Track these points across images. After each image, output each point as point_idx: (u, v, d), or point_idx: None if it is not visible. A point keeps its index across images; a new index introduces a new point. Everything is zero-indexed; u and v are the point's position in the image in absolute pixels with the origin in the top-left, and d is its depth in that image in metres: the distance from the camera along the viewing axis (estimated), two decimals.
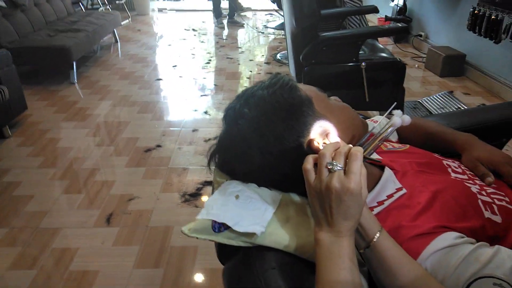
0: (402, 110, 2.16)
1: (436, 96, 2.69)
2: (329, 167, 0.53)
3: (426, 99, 2.66)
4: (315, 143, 0.63)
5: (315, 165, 0.56)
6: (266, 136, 0.61)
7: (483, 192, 0.71)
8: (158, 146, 2.33)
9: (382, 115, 0.74)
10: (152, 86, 3.27)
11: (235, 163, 0.65)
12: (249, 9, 5.97)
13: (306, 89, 0.67)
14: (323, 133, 0.64)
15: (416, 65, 3.55)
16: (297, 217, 0.62)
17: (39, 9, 3.67)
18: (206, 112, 2.79)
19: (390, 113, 0.71)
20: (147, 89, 3.20)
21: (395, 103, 0.65)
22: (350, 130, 0.68)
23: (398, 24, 1.94)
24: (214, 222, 0.58)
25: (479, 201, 0.68)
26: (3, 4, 3.12)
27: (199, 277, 1.45)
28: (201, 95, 3.10)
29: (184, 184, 1.96)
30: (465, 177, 0.75)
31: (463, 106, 2.52)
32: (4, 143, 2.35)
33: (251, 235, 0.58)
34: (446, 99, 2.61)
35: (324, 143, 0.64)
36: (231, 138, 0.64)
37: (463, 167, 0.79)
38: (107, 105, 2.89)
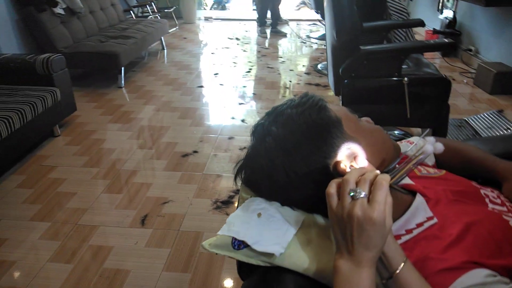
0: (446, 128, 2.08)
1: (484, 114, 2.54)
2: (352, 194, 0.52)
3: (473, 118, 2.53)
4: (342, 166, 0.62)
5: (339, 189, 0.55)
6: (292, 155, 0.61)
7: None
8: (195, 151, 2.38)
9: (424, 132, 0.71)
10: (194, 92, 3.37)
11: (260, 180, 0.65)
12: (286, 21, 6.00)
13: (336, 109, 0.67)
14: (351, 156, 0.63)
15: (465, 81, 3.38)
16: (319, 240, 0.61)
17: (93, 16, 3.91)
18: (243, 121, 2.82)
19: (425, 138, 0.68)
20: (188, 95, 3.30)
21: (429, 129, 0.62)
22: (380, 154, 0.66)
23: (444, 39, 1.86)
24: (234, 239, 0.59)
25: None
26: (62, 12, 3.36)
27: (225, 285, 1.46)
28: (240, 103, 3.14)
29: (216, 191, 1.99)
30: (504, 209, 0.71)
31: None
32: (53, 141, 2.51)
33: (270, 255, 0.58)
34: (495, 119, 2.46)
35: (351, 165, 0.63)
36: (257, 155, 0.65)
37: (502, 198, 0.75)
38: (150, 110, 3.01)
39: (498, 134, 2.27)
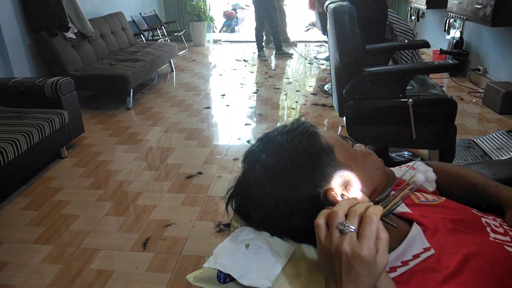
0: (454, 150, 2.04)
1: (493, 135, 2.49)
2: (340, 228, 0.50)
3: (481, 138, 2.48)
4: (333, 194, 0.60)
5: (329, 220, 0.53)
6: (280, 184, 0.60)
7: None
8: (199, 173, 2.38)
9: (431, 153, 0.68)
10: (200, 114, 3.39)
11: (249, 209, 0.64)
12: (294, 43, 6.07)
13: (328, 136, 0.65)
14: (343, 184, 0.61)
15: (474, 101, 3.35)
16: (309, 274, 0.59)
17: (104, 40, 4.01)
18: (248, 142, 2.82)
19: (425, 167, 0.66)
20: (195, 116, 3.32)
21: (419, 158, 0.60)
22: (372, 181, 0.64)
23: (449, 60, 1.86)
24: (219, 272, 0.57)
25: None
26: (73, 36, 3.45)
27: None
28: (245, 124, 3.15)
29: (219, 213, 1.96)
30: (507, 238, 0.68)
31: None
32: (60, 163, 2.53)
33: None
34: (505, 139, 2.41)
35: (342, 194, 0.61)
36: (247, 183, 0.63)
37: (505, 227, 0.71)
38: (157, 131, 3.03)
39: (508, 155, 2.22)
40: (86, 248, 1.74)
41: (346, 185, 0.62)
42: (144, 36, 5.22)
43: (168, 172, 2.40)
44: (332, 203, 0.60)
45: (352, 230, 0.49)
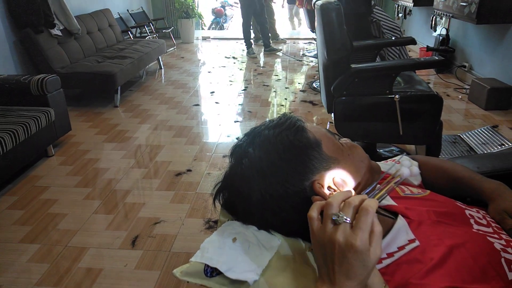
0: (440, 145, 2.07)
1: (478, 130, 2.54)
2: (334, 218, 0.50)
3: (467, 134, 2.52)
4: (319, 186, 0.61)
5: (322, 213, 0.53)
6: (267, 177, 0.60)
7: (509, 249, 0.64)
8: (189, 170, 2.37)
9: (418, 148, 0.69)
10: (189, 111, 3.37)
11: (236, 203, 0.64)
12: (284, 40, 6.10)
13: (315, 130, 0.66)
14: (329, 177, 0.62)
15: (460, 97, 3.40)
16: (296, 265, 0.59)
17: (91, 37, 3.95)
18: (238, 138, 2.81)
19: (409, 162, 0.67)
20: (184, 114, 3.31)
21: (404, 153, 0.61)
22: (358, 173, 0.65)
23: (435, 57, 1.89)
24: (206, 266, 0.57)
25: (503, 259, 0.61)
26: (59, 33, 3.40)
27: None
28: (235, 121, 3.15)
29: (209, 210, 1.96)
30: (490, 230, 0.69)
31: (508, 142, 2.36)
32: (47, 161, 2.50)
33: (244, 282, 0.56)
34: (489, 134, 2.46)
35: (329, 186, 0.62)
36: (234, 177, 0.64)
37: (488, 218, 0.73)
38: (145, 129, 3.01)
39: (492, 150, 2.26)
40: (74, 247, 1.73)
41: (332, 177, 0.62)
42: (131, 33, 5.17)
43: (157, 169, 2.39)
44: (319, 195, 0.60)
45: (346, 221, 0.49)
